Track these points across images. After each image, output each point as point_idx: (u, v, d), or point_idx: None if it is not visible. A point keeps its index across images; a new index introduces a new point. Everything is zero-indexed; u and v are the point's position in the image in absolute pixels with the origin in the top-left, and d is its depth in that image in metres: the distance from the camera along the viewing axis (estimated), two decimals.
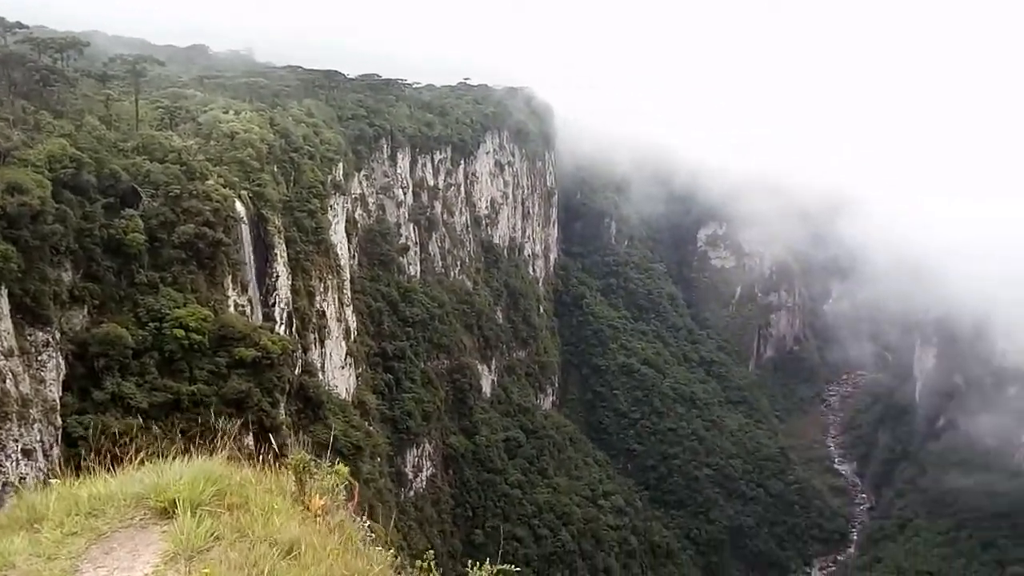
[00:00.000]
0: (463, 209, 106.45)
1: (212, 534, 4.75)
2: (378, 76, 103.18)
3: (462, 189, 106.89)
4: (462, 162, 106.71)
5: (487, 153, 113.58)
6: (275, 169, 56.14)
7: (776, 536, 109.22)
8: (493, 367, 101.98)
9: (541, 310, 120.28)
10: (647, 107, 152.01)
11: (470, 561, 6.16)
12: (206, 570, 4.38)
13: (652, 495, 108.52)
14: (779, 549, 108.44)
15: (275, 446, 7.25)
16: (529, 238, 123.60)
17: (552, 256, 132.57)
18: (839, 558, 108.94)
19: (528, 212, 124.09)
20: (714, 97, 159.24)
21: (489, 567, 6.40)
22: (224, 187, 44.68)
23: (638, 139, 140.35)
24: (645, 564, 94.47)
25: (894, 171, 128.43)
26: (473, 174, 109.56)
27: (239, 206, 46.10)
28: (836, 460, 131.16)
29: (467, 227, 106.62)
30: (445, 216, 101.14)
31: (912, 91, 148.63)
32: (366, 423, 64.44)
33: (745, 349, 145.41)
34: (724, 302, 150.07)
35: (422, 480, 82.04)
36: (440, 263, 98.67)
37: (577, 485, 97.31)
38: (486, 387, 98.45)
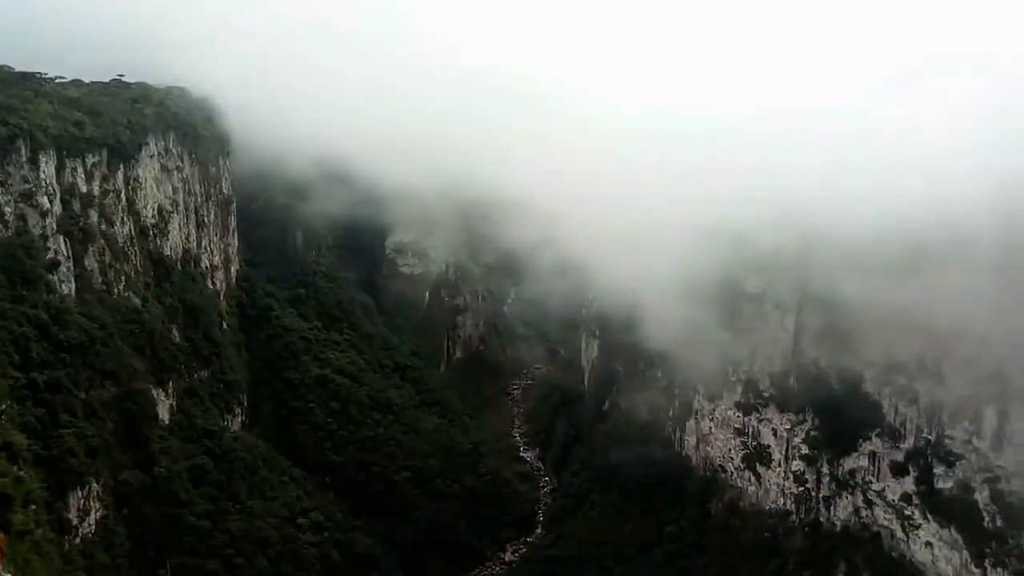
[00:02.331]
0: (125, 218, 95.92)
1: None
2: (10, 68, 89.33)
3: (123, 196, 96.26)
4: (121, 167, 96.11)
5: (151, 157, 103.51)
6: None
7: (472, 528, 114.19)
8: (171, 391, 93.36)
9: (224, 325, 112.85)
10: (326, 107, 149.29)
11: None
12: None
13: (353, 505, 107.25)
14: (476, 539, 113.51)
15: None
16: (206, 249, 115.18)
17: (233, 267, 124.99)
18: (528, 539, 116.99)
19: (203, 221, 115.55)
20: (388, 100, 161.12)
21: None
22: None
23: (318, 142, 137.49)
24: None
25: (554, 173, 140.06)
26: (135, 179, 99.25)
27: None
28: (521, 449, 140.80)
29: (132, 238, 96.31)
30: (104, 226, 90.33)
31: (568, 94, 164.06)
32: (15, 467, 55.21)
33: (436, 352, 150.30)
34: (414, 307, 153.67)
35: (90, 524, 72.34)
36: (100, 279, 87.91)
37: (273, 507, 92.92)
38: (163, 413, 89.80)
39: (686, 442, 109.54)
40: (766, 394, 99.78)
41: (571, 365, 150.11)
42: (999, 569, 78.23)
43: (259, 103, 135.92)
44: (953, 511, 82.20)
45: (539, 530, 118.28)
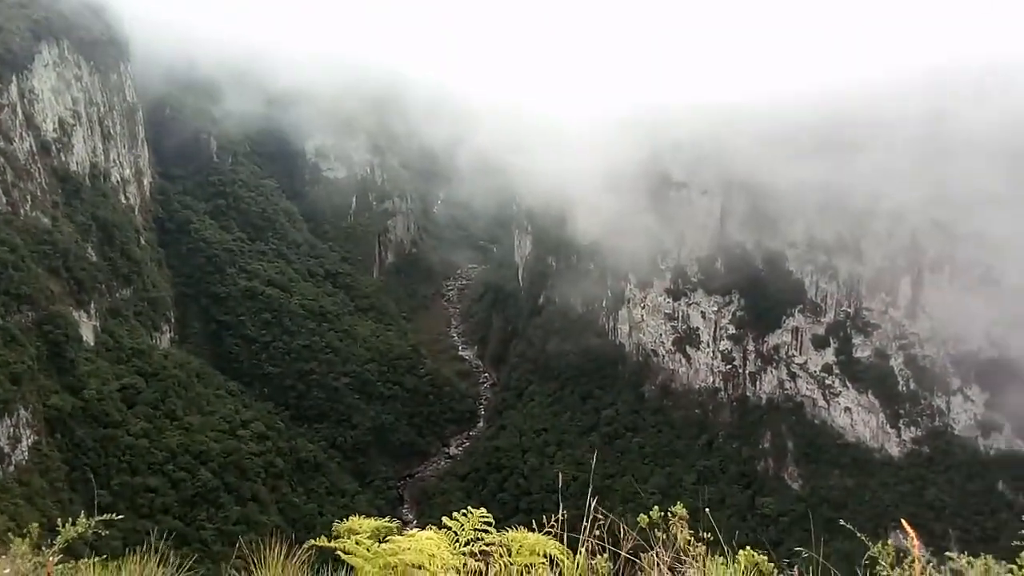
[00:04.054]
0: (24, 134, 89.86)
1: None
2: None
3: (19, 110, 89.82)
4: (14, 78, 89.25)
5: (45, 66, 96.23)
6: None
7: (416, 426, 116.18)
8: (93, 312, 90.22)
9: (142, 241, 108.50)
10: (230, 4, 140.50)
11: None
12: None
13: (294, 414, 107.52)
14: (420, 438, 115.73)
15: None
16: (115, 162, 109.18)
17: (146, 180, 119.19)
18: (471, 433, 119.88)
19: (109, 132, 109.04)
20: None
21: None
22: None
23: (224, 42, 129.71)
24: (294, 481, 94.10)
25: (480, 67, 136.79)
26: (31, 91, 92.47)
27: None
28: (460, 348, 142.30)
29: (33, 154, 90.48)
30: (2, 143, 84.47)
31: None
32: None
33: (367, 257, 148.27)
34: (341, 214, 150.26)
35: (23, 451, 70.89)
36: (4, 199, 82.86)
37: (212, 421, 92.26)
38: (88, 335, 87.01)
39: (619, 330, 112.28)
40: (694, 279, 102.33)
41: (504, 263, 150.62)
42: (912, 428, 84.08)
43: (158, 3, 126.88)
44: (870, 378, 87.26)
45: (481, 424, 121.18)
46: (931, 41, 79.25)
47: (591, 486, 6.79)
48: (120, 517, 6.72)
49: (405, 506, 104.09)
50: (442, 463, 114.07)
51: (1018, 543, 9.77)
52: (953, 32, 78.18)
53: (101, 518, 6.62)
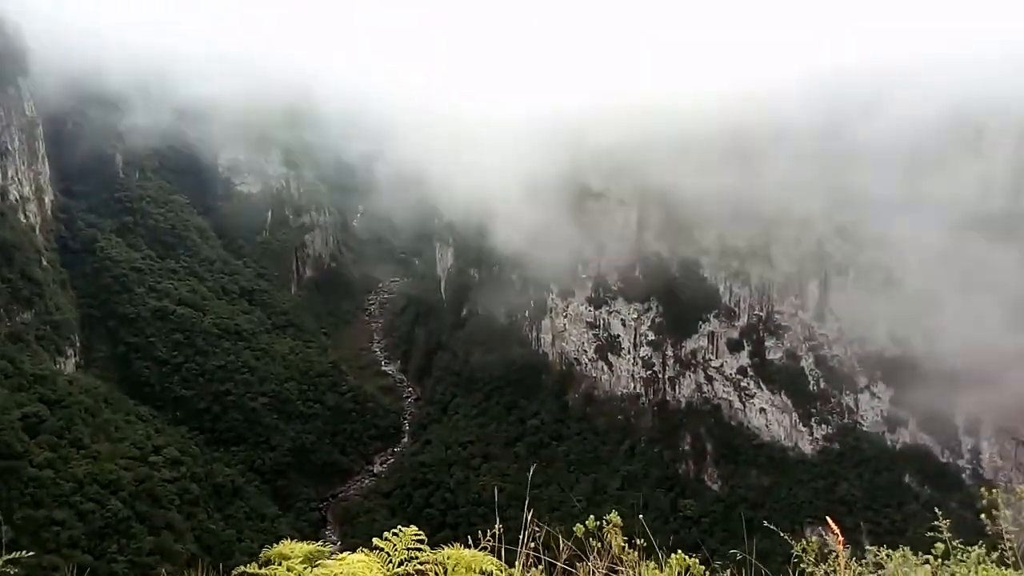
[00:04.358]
0: None
1: None
2: None
3: None
4: None
5: None
6: None
7: (338, 445, 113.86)
8: None
9: (44, 262, 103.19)
10: (134, 14, 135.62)
11: None
12: None
13: (209, 437, 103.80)
14: (342, 456, 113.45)
15: None
16: (13, 180, 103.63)
17: (47, 198, 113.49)
18: (395, 450, 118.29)
19: (6, 149, 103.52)
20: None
21: None
22: None
23: (134, 52, 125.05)
24: (211, 507, 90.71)
25: (398, 79, 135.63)
26: None
27: None
28: (383, 363, 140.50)
29: None
30: None
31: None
32: None
33: (284, 273, 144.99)
34: (256, 229, 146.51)
35: None
36: None
37: (122, 448, 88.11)
38: None
39: (543, 340, 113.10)
40: (614, 287, 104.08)
41: (426, 276, 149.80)
42: (823, 426, 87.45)
43: (58, 13, 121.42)
44: (782, 378, 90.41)
45: (405, 439, 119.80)
46: (828, 55, 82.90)
47: (527, 499, 6.76)
48: (31, 554, 6.27)
49: (328, 527, 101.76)
50: (366, 481, 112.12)
51: (932, 533, 10.20)
52: (847, 46, 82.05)
53: (8, 556, 6.19)
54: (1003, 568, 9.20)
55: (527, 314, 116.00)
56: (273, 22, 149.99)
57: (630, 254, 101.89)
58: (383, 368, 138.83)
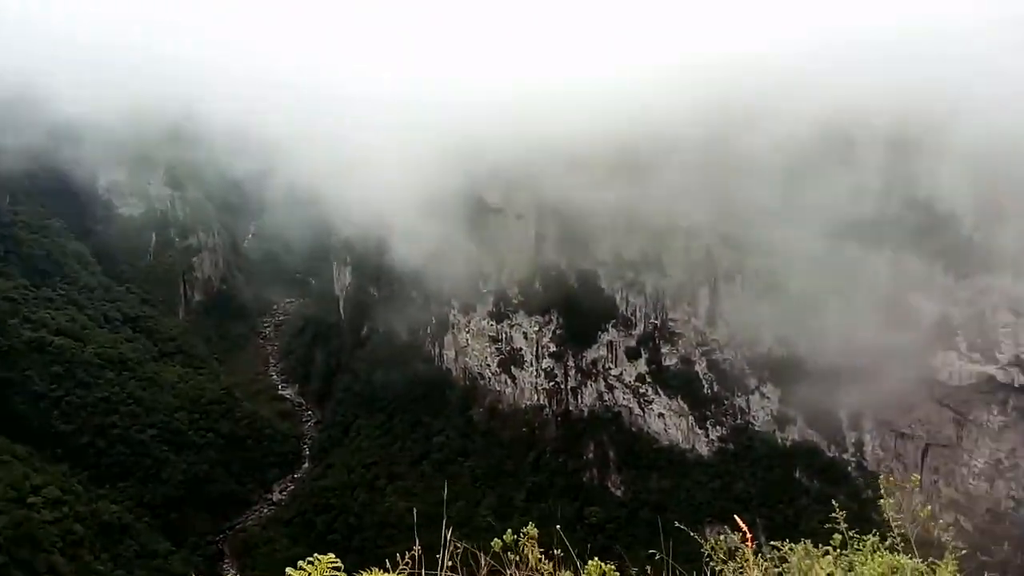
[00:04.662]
0: None
1: None
2: None
3: None
4: None
5: None
6: None
7: (234, 475, 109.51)
8: None
9: None
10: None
11: None
12: None
13: (93, 474, 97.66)
14: (239, 486, 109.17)
15: None
16: None
17: None
18: (296, 476, 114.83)
19: None
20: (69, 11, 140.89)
21: None
22: None
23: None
24: (97, 548, 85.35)
25: (284, 94, 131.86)
26: None
27: None
28: (280, 387, 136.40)
29: None
30: None
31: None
32: None
33: (171, 298, 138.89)
34: (139, 253, 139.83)
35: None
36: None
37: None
38: None
39: (446, 355, 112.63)
40: (515, 301, 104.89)
41: (324, 295, 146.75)
42: (718, 427, 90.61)
43: None
44: (678, 384, 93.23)
45: (306, 465, 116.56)
46: (708, 68, 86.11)
47: (444, 517, 6.67)
48: None
49: (226, 561, 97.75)
50: (265, 511, 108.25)
51: (829, 525, 10.70)
52: (726, 61, 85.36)
53: None
54: (894, 554, 9.76)
55: (429, 330, 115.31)
56: (149, 34, 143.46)
57: (529, 267, 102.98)
58: (280, 392, 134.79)
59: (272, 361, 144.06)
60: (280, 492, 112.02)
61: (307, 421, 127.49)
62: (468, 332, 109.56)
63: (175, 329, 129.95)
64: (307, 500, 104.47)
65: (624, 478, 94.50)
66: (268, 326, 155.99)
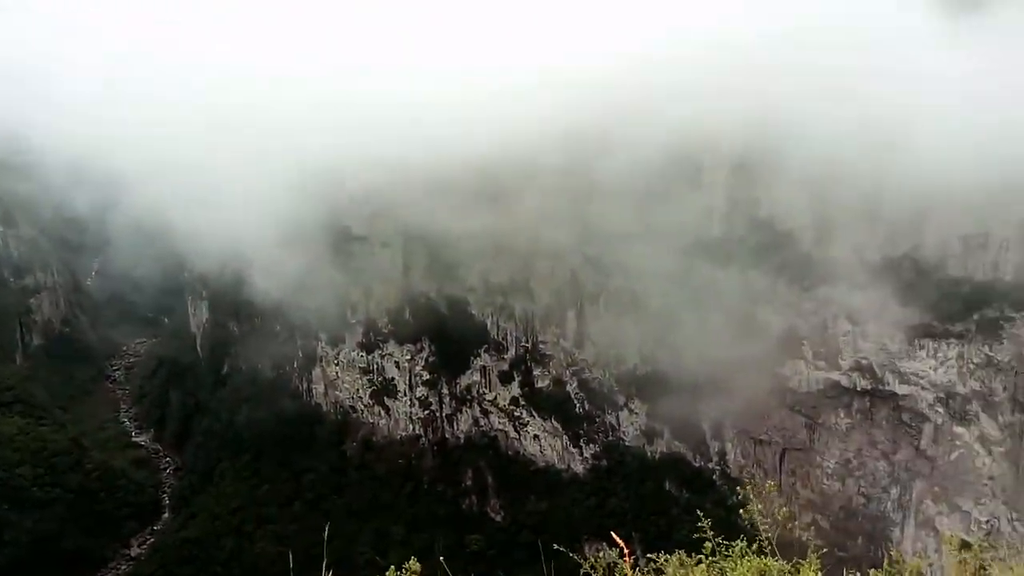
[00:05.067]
0: None
1: None
2: None
3: None
4: None
5: None
6: None
7: (85, 530, 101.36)
8: None
9: None
10: None
11: None
12: None
13: None
14: (92, 543, 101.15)
15: None
16: None
17: None
18: (156, 528, 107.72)
19: None
20: None
21: None
22: None
23: None
24: None
25: (126, 120, 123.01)
26: None
27: None
28: (134, 433, 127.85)
29: None
30: None
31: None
32: None
33: (7, 342, 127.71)
34: None
35: None
36: None
37: None
38: None
39: (314, 390, 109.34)
40: (385, 330, 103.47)
41: (179, 334, 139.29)
42: (591, 445, 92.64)
43: None
44: (551, 405, 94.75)
45: (167, 515, 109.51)
46: (560, 92, 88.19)
47: (325, 557, 6.44)
48: None
49: None
50: (123, 567, 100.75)
51: (698, 535, 11.12)
52: (579, 85, 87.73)
53: None
54: (762, 557, 10.30)
55: (295, 365, 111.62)
56: None
57: (398, 296, 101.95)
58: (134, 439, 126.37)
59: (123, 406, 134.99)
60: (139, 546, 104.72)
61: (165, 468, 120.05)
62: (337, 364, 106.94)
63: (12, 377, 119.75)
64: (169, 553, 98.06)
65: (503, 502, 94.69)
66: (117, 369, 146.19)
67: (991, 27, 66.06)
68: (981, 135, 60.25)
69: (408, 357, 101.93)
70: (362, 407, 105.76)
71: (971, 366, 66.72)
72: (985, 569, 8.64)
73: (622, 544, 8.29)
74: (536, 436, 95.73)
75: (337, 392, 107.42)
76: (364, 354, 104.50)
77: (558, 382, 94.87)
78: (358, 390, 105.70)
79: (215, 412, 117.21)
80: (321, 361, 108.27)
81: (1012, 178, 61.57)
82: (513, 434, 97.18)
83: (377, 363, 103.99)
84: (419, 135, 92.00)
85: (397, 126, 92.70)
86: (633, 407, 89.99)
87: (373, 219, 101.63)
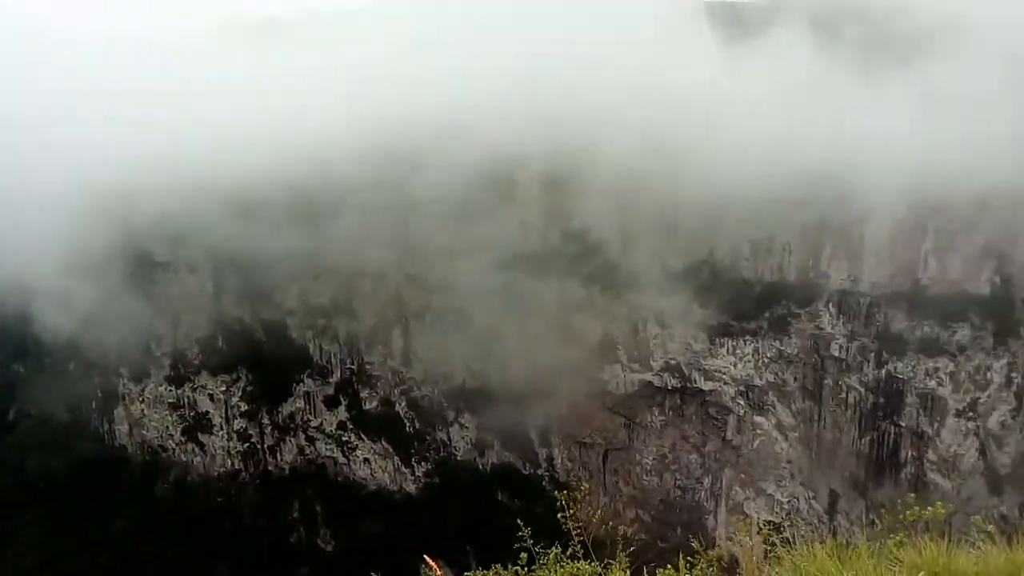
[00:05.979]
0: None
1: None
2: None
3: None
4: None
5: None
6: None
7: None
8: None
9: None
10: None
11: None
12: None
13: None
14: None
15: None
16: None
17: None
18: None
19: None
20: None
21: None
22: None
23: None
24: None
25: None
26: None
27: None
28: None
29: None
30: None
31: None
32: None
33: None
34: None
35: None
36: None
37: None
38: None
39: (117, 431, 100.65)
40: (196, 361, 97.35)
41: None
42: (423, 463, 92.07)
43: None
44: (380, 426, 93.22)
45: None
46: (370, 107, 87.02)
47: None
48: None
49: None
50: None
51: (518, 545, 11.17)
52: (388, 100, 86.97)
53: None
54: (576, 562, 10.47)
55: (94, 405, 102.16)
56: None
57: (209, 324, 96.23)
58: None
59: None
60: None
61: None
62: (143, 401, 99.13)
63: None
64: None
65: (333, 531, 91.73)
66: None
67: (770, 54, 73.37)
68: (763, 150, 66.62)
69: (223, 388, 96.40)
70: (173, 445, 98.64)
71: (765, 360, 73.22)
72: (773, 549, 9.26)
73: (435, 565, 8.13)
74: (366, 459, 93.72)
75: (144, 431, 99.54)
76: (173, 388, 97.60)
77: (387, 402, 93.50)
78: (167, 427, 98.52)
79: (2, 462, 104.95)
80: (124, 399, 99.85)
81: (791, 188, 68.62)
82: (342, 459, 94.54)
83: (188, 397, 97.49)
84: (223, 156, 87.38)
85: (196, 145, 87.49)
86: (463, 421, 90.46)
87: (176, 243, 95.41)
